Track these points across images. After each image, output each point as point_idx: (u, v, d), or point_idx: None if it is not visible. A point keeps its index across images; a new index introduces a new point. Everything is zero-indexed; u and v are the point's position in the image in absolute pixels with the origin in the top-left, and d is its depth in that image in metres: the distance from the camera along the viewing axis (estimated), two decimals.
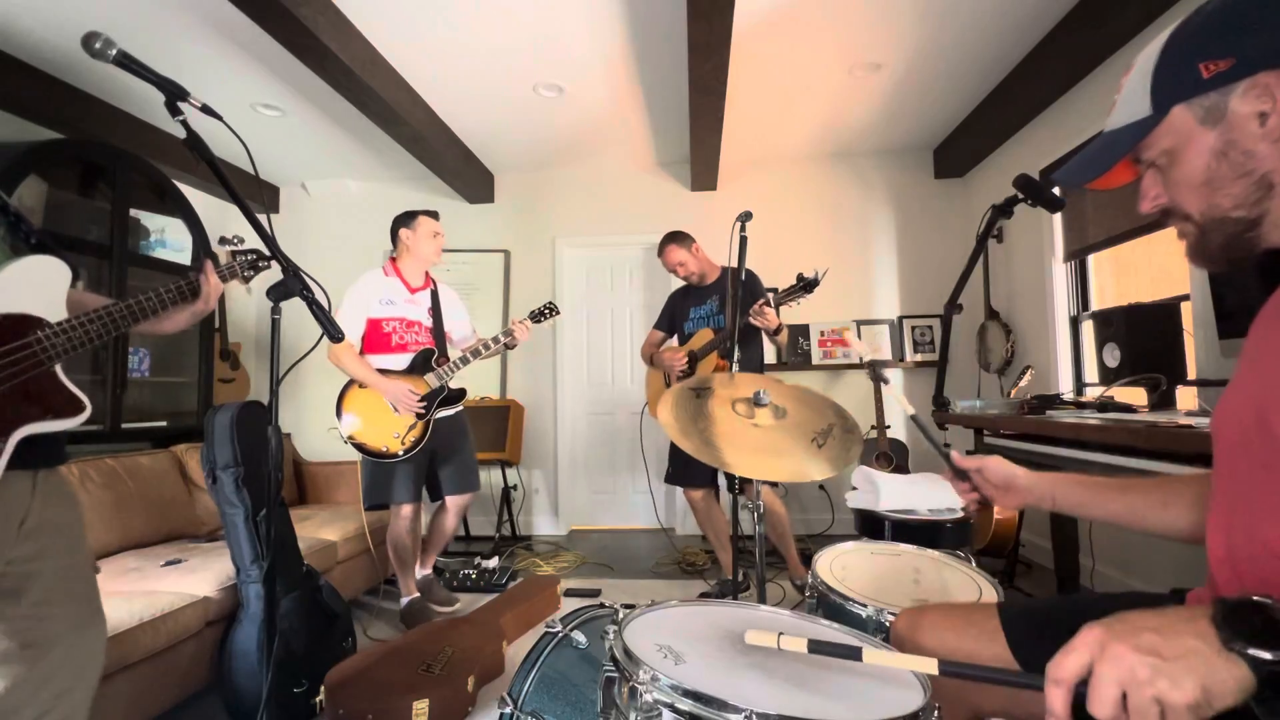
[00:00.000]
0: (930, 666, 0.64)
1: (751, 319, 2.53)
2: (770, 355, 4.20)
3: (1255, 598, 0.53)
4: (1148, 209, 0.73)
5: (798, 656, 0.84)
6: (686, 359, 2.90)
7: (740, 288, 1.96)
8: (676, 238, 3.02)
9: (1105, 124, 0.75)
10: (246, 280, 1.55)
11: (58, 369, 1.10)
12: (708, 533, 2.97)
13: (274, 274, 1.40)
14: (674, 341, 3.19)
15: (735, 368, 1.96)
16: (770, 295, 2.53)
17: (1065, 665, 0.55)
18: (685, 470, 2.86)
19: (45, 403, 1.07)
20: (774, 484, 2.91)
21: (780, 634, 0.74)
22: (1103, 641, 0.54)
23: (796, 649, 0.72)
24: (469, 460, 2.88)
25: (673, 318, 3.15)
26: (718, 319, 2.91)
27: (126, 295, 1.22)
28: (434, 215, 2.82)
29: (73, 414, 1.10)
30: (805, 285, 2.43)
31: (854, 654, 0.69)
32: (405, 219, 2.77)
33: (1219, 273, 0.76)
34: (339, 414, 2.59)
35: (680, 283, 3.16)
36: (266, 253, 1.54)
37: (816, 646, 0.72)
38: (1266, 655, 0.49)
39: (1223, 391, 0.78)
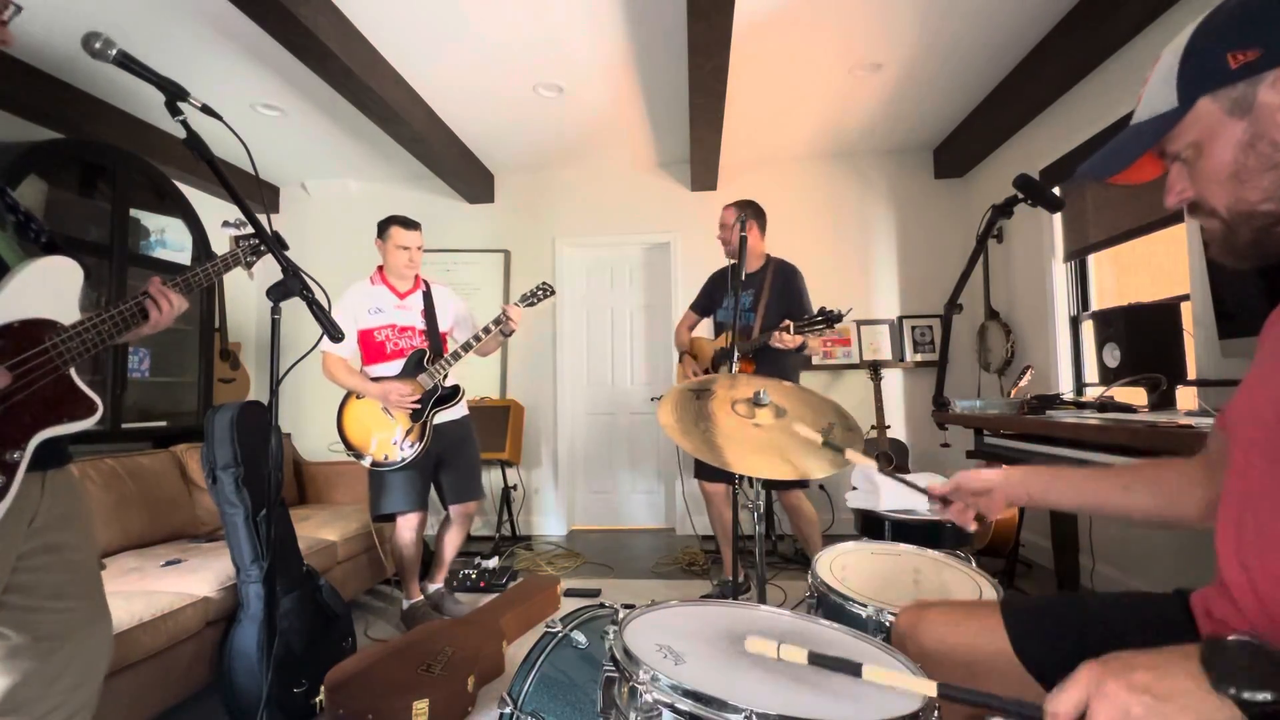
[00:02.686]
0: (929, 689, 0.66)
1: (771, 342, 2.51)
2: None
3: (1242, 637, 0.54)
4: (1173, 203, 0.72)
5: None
6: (705, 372, 2.91)
7: (738, 286, 1.96)
8: (740, 203, 2.87)
9: (1132, 118, 0.73)
10: (249, 265, 1.54)
11: (71, 372, 1.11)
12: (716, 529, 2.97)
13: (274, 273, 1.40)
14: (705, 327, 3.13)
15: (735, 368, 1.96)
16: (790, 323, 2.49)
17: (1062, 700, 0.56)
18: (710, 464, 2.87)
19: (61, 406, 1.09)
20: (803, 485, 2.88)
21: (780, 644, 0.74)
22: (1099, 678, 0.55)
23: (796, 659, 0.73)
24: (472, 468, 2.85)
25: (710, 300, 3.06)
26: (748, 315, 2.84)
27: (127, 295, 1.22)
28: (407, 225, 2.71)
29: (87, 415, 1.12)
30: (826, 319, 2.39)
31: (854, 670, 0.70)
32: (380, 228, 2.73)
33: (1243, 268, 0.74)
34: (340, 428, 2.61)
35: (697, 263, 3.05)
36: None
37: (816, 659, 0.73)
38: (1255, 697, 0.50)
39: (1237, 389, 0.77)
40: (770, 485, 2.88)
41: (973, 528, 1.07)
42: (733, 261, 2.91)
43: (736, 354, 1.97)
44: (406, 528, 2.66)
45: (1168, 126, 0.68)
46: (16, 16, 1.03)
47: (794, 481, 2.69)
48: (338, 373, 2.60)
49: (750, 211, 2.81)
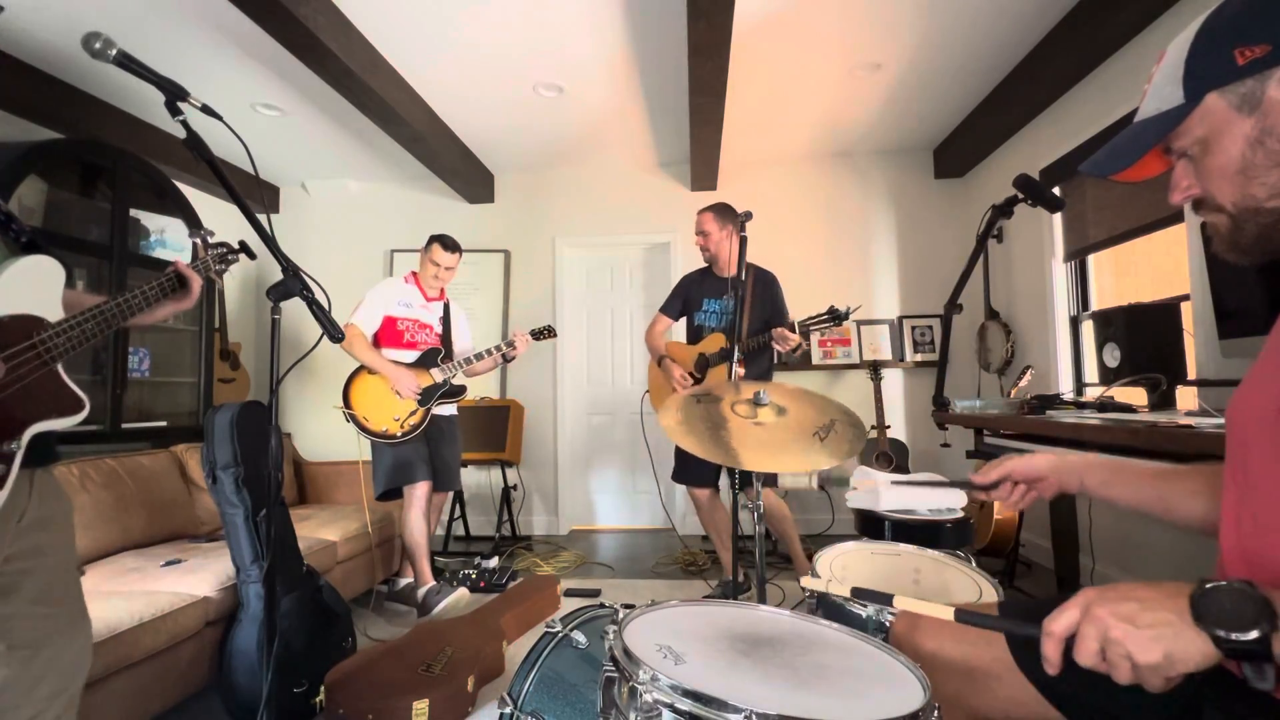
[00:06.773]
0: (946, 613, 0.74)
1: (774, 344, 2.53)
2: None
3: (1236, 583, 0.58)
4: (1178, 200, 0.72)
5: (798, 653, 0.85)
6: (691, 377, 2.81)
7: (743, 289, 1.96)
8: (718, 209, 2.87)
9: (1136, 114, 0.73)
10: (219, 275, 1.53)
11: (59, 368, 1.12)
12: (710, 532, 2.97)
13: (274, 273, 1.40)
14: (679, 330, 3.13)
15: (734, 372, 1.96)
16: (795, 322, 2.52)
17: (1058, 621, 0.64)
18: (689, 468, 2.85)
19: (50, 401, 1.09)
20: (773, 484, 2.91)
21: (830, 580, 0.85)
22: (1090, 602, 0.62)
23: (841, 593, 0.86)
24: (453, 461, 3.10)
25: (685, 304, 2.99)
26: (733, 318, 2.85)
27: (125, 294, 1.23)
28: (447, 246, 3.01)
29: (74, 412, 1.13)
30: (834, 317, 2.41)
31: (887, 600, 0.80)
32: (427, 242, 3.05)
33: (1246, 264, 0.74)
34: (345, 396, 2.81)
35: (697, 264, 3.05)
36: (235, 246, 1.56)
37: (858, 592, 0.83)
38: (1228, 635, 0.56)
39: (1240, 384, 0.77)
40: (741, 484, 2.87)
41: (1027, 504, 1.05)
42: (718, 266, 2.93)
43: (737, 354, 1.99)
44: (419, 497, 2.83)
45: (1174, 123, 0.68)
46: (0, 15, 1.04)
47: (756, 475, 2.65)
48: (358, 347, 2.82)
49: (721, 214, 2.86)
